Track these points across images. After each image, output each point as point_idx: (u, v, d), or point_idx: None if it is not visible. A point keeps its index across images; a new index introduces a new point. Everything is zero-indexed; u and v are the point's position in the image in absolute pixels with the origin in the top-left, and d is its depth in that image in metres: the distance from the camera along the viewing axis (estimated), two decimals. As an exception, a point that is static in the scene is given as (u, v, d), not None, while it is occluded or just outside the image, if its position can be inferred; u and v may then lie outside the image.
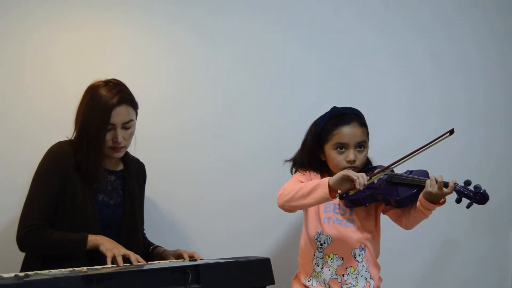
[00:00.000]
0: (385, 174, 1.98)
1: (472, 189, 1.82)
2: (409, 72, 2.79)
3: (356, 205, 2.03)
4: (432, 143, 1.91)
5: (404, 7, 2.81)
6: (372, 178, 1.87)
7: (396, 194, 1.94)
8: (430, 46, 2.83)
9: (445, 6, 2.87)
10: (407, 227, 2.04)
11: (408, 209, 1.99)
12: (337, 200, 2.05)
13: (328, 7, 2.72)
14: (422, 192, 1.89)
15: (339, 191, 1.82)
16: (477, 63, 2.88)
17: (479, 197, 1.80)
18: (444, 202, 1.89)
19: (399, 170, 2.02)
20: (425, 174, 1.97)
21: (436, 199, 1.87)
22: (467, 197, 1.82)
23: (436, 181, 1.84)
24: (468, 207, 1.82)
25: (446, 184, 1.84)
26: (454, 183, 1.84)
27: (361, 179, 1.80)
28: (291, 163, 2.17)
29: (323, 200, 1.90)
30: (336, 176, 1.85)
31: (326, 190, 1.84)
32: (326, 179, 1.87)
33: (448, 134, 1.91)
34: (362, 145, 2.05)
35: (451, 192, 1.84)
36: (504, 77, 2.92)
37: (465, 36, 2.88)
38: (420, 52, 2.81)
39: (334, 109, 2.10)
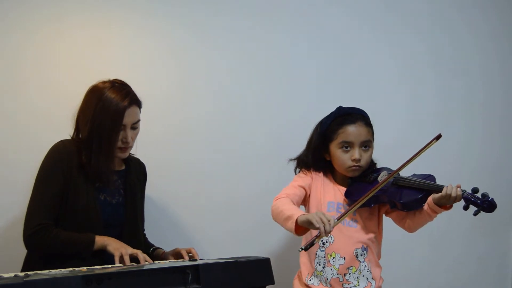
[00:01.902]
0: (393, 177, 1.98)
1: (480, 197, 1.84)
2: (409, 73, 2.80)
3: (361, 206, 2.03)
4: (422, 151, 1.92)
5: (404, 8, 2.82)
6: (340, 219, 1.85)
7: (402, 197, 1.94)
8: (430, 47, 2.83)
9: (445, 7, 2.87)
10: (410, 229, 2.04)
11: (413, 211, 1.99)
12: (341, 199, 2.06)
13: (328, 9, 2.72)
14: (432, 196, 1.90)
15: (302, 246, 1.80)
16: (476, 63, 2.89)
17: (486, 205, 1.82)
18: (451, 207, 1.91)
19: (406, 173, 2.02)
20: (431, 178, 1.97)
21: (444, 204, 1.89)
22: (475, 204, 1.84)
23: (451, 197, 1.85)
24: (475, 214, 1.84)
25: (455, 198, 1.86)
26: (462, 190, 1.86)
27: (327, 226, 1.73)
28: (295, 162, 2.17)
29: (292, 233, 1.89)
30: (305, 216, 1.80)
31: (293, 226, 1.83)
32: (297, 215, 1.83)
33: (435, 140, 1.92)
34: (367, 144, 2.05)
35: (460, 200, 1.86)
36: (503, 78, 2.92)
37: (465, 37, 2.88)
38: (419, 53, 2.81)
39: (340, 108, 2.11)
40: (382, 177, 2.02)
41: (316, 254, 2.04)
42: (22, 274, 1.57)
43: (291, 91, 2.65)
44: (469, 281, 2.80)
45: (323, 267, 2.03)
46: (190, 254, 2.01)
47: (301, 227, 1.84)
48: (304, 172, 2.12)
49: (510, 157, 2.90)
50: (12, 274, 1.56)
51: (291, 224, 1.83)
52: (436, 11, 2.86)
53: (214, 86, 2.57)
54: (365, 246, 2.03)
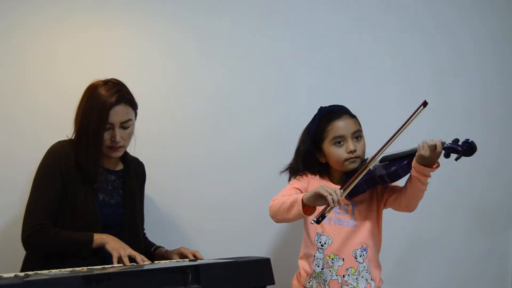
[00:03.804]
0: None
1: (460, 144, 1.81)
2: (407, 73, 2.79)
3: (355, 194, 2.01)
4: (410, 120, 1.90)
5: (401, 8, 2.81)
6: (346, 190, 1.85)
7: (389, 169, 1.93)
8: (428, 47, 2.82)
9: (443, 7, 2.86)
10: (408, 207, 2.00)
11: (405, 186, 1.97)
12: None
13: (327, 10, 2.72)
14: (415, 158, 1.88)
15: (313, 219, 1.80)
16: (475, 64, 2.88)
17: (466, 147, 1.79)
18: (438, 165, 1.87)
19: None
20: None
21: (429, 163, 1.86)
22: (455, 150, 1.80)
23: (429, 147, 1.83)
24: (456, 159, 1.80)
25: (434, 145, 1.83)
26: (442, 142, 1.83)
27: (334, 195, 1.75)
28: (288, 172, 2.16)
29: (300, 217, 1.91)
30: (309, 192, 1.83)
31: (300, 208, 1.84)
32: (301, 196, 1.85)
33: (422, 107, 1.89)
34: (358, 135, 2.06)
35: (441, 151, 1.83)
36: (501, 78, 2.92)
37: (463, 37, 2.88)
38: (417, 53, 2.81)
39: (322, 108, 2.12)
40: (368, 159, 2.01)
41: (314, 256, 2.04)
42: (22, 274, 1.57)
43: (289, 91, 2.65)
44: (469, 281, 2.80)
45: (322, 269, 2.02)
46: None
47: (309, 208, 1.84)
48: (299, 178, 2.11)
49: (509, 157, 2.90)
50: (12, 274, 1.56)
51: (298, 206, 1.84)
52: (435, 12, 2.85)
53: (213, 86, 2.57)
54: (364, 246, 2.03)
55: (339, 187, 2.04)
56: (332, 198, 1.75)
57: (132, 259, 1.84)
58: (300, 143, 2.14)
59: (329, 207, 1.77)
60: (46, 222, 1.89)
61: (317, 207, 1.87)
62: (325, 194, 1.76)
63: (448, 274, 2.77)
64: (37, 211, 1.91)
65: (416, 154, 1.86)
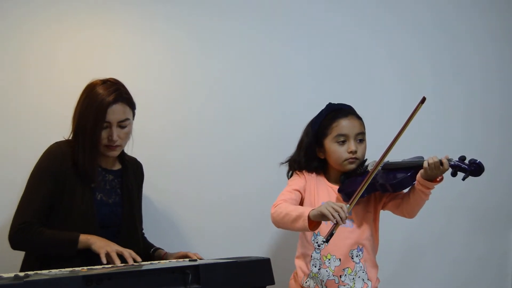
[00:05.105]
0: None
1: (467, 162, 1.82)
2: (406, 73, 2.79)
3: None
4: (410, 119, 1.90)
5: (402, 8, 2.81)
6: (352, 204, 1.85)
7: (392, 179, 1.94)
8: (428, 47, 2.83)
9: (443, 6, 2.87)
10: (409, 214, 2.02)
11: (407, 194, 1.98)
12: (334, 198, 2.05)
13: (326, 10, 2.72)
14: (419, 172, 1.89)
15: (323, 239, 1.83)
16: (474, 63, 2.88)
17: (474, 167, 1.80)
18: (442, 179, 1.89)
19: (394, 159, 2.02)
20: (419, 158, 1.96)
21: (433, 178, 1.88)
22: (462, 170, 1.82)
23: (434, 164, 1.84)
24: (464, 179, 1.82)
25: (441, 162, 1.84)
26: (448, 159, 1.85)
27: (342, 213, 1.76)
28: (287, 165, 2.16)
29: (305, 231, 1.92)
30: (316, 210, 1.82)
31: (306, 224, 1.83)
32: (307, 211, 1.84)
33: (420, 104, 1.89)
34: (361, 137, 2.06)
35: (447, 169, 1.84)
36: (502, 78, 2.92)
37: (463, 37, 2.88)
38: (417, 53, 2.81)
39: (330, 105, 2.13)
40: (371, 165, 2.01)
41: (311, 256, 2.04)
42: (22, 274, 1.57)
43: (289, 91, 2.65)
44: (469, 281, 2.80)
45: (319, 269, 2.02)
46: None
47: (313, 222, 1.85)
48: (298, 174, 2.12)
49: (509, 157, 2.90)
50: (12, 274, 1.56)
51: (303, 222, 1.84)
52: (435, 11, 2.86)
53: (213, 86, 2.57)
54: (360, 246, 2.03)
55: (338, 188, 2.06)
56: (339, 216, 1.75)
57: (122, 258, 1.83)
58: (304, 136, 2.14)
59: (337, 225, 1.78)
60: (32, 221, 1.88)
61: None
62: (332, 219, 1.76)
63: (448, 274, 2.78)
64: (25, 211, 1.91)
65: (422, 170, 1.87)
